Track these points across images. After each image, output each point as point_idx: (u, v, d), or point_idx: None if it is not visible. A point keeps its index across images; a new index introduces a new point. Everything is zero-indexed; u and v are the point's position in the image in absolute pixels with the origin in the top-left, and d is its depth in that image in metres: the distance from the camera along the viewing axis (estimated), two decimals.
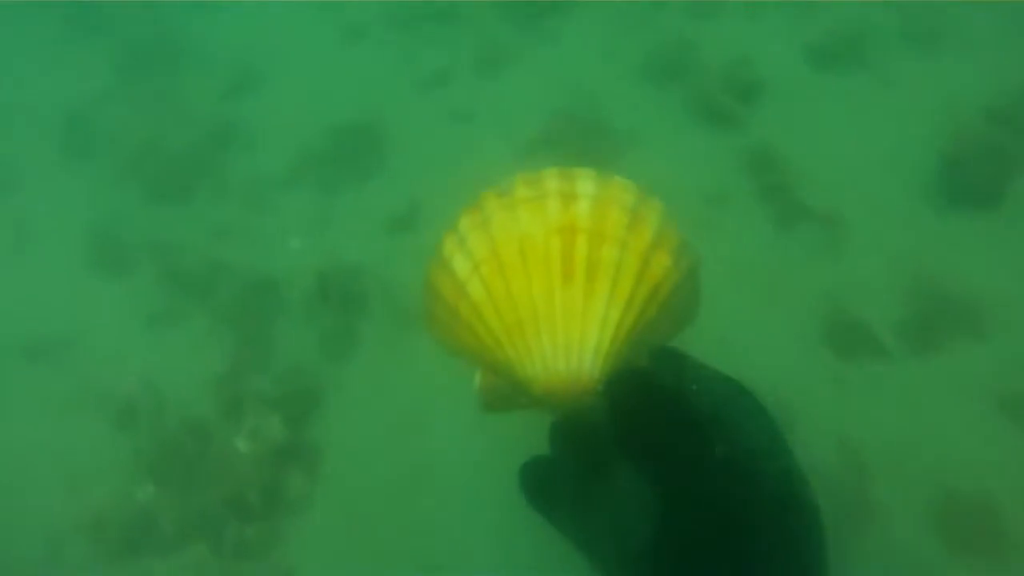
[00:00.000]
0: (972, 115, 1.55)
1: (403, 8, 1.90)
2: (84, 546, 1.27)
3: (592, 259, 0.46)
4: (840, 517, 1.17)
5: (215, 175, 1.67)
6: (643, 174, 0.54)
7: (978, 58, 1.64)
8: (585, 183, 0.50)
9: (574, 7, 1.87)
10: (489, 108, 1.70)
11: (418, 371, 1.35)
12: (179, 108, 1.80)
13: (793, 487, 0.45)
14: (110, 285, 1.52)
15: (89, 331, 1.46)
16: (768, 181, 1.52)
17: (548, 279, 0.46)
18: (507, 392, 0.50)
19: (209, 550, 1.24)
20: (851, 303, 1.37)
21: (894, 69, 1.67)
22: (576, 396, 0.45)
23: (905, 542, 1.15)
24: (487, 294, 0.48)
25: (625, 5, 1.87)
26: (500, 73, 1.77)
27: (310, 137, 1.69)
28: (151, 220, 1.61)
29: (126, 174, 1.70)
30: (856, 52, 1.71)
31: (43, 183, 1.73)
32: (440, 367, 1.32)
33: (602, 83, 1.72)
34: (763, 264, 1.43)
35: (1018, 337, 1.29)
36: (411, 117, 1.70)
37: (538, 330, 0.45)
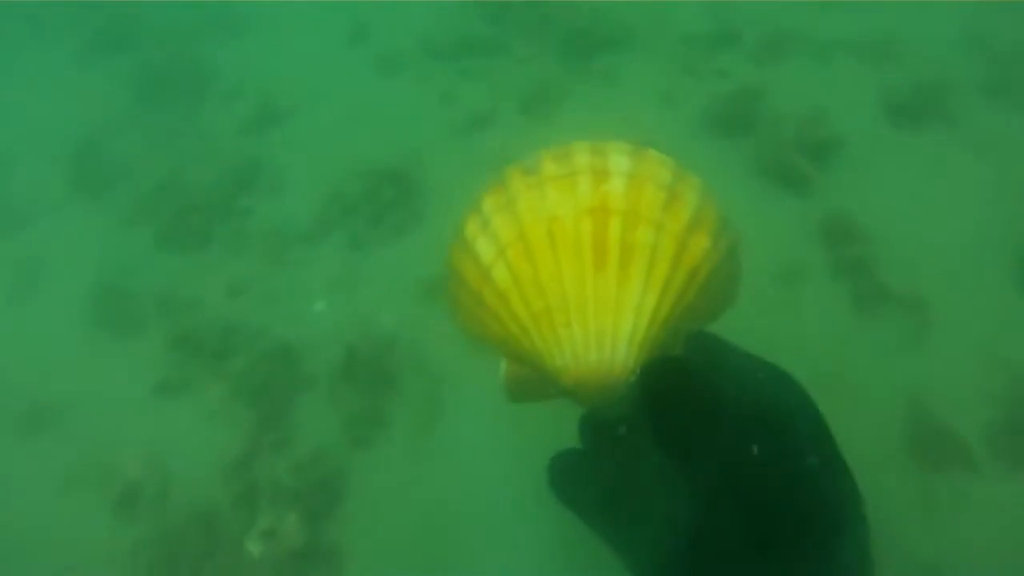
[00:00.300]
0: None
1: (442, 39, 1.75)
2: None
3: (626, 242, 0.43)
4: None
5: (234, 220, 1.53)
6: None
7: None
8: (618, 158, 0.47)
9: (629, 44, 1.73)
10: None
11: (454, 462, 1.22)
12: (199, 141, 1.66)
13: (835, 482, 0.43)
14: (115, 344, 1.39)
15: (89, 398, 1.33)
16: (845, 256, 1.38)
17: (579, 264, 0.43)
18: (534, 382, 0.47)
19: None
20: (937, 404, 1.23)
21: (981, 127, 1.52)
22: (608, 388, 0.42)
23: None
24: (513, 280, 0.45)
25: (685, 44, 1.72)
26: (547, 115, 1.63)
27: (339, 182, 1.54)
28: (163, 270, 1.48)
29: (138, 214, 1.57)
30: (939, 106, 1.56)
31: (49, 219, 1.61)
32: (479, 459, 1.22)
33: (659, 132, 1.56)
34: (839, 355, 1.28)
35: None
36: (450, 162, 1.56)
37: (568, 318, 0.43)
